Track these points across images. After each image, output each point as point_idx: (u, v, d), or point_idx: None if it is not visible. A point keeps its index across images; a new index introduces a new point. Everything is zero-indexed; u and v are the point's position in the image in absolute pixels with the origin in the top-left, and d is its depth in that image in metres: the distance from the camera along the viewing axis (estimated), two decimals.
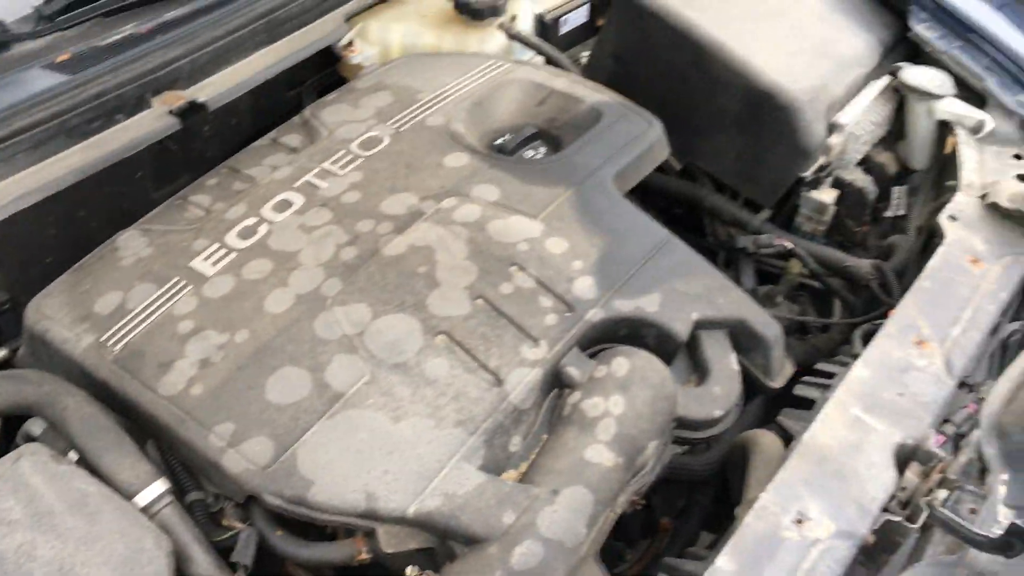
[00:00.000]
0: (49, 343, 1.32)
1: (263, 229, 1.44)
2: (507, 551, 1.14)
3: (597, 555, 1.24)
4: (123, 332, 1.31)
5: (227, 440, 1.19)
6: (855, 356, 1.49)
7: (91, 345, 1.30)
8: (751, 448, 1.45)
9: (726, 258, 2.01)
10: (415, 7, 1.98)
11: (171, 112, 1.59)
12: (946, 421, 1.47)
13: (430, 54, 1.85)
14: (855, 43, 1.98)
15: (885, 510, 1.31)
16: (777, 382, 1.50)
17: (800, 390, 1.57)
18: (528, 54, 2.01)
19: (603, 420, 1.26)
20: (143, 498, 1.14)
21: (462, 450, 1.21)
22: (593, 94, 1.71)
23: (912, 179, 2.08)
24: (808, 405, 1.48)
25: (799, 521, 1.25)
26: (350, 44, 1.89)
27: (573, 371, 1.32)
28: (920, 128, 1.98)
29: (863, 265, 1.83)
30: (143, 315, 1.33)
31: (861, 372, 1.44)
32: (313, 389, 1.24)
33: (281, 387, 1.24)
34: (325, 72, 2.00)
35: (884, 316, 1.61)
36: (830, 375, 1.56)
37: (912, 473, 1.34)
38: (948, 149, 1.98)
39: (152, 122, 1.58)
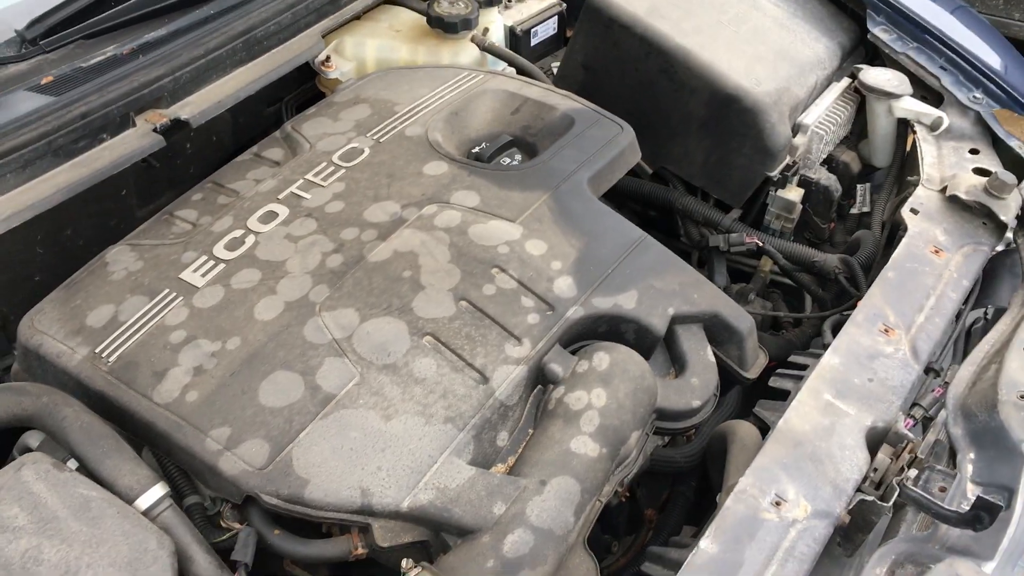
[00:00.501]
0: (43, 357, 1.35)
1: (250, 240, 1.47)
2: (499, 540, 1.18)
3: (586, 543, 1.28)
4: (117, 344, 1.34)
5: (223, 443, 1.22)
6: (826, 346, 1.55)
7: (86, 357, 1.33)
8: (730, 438, 1.50)
9: (699, 258, 2.07)
10: (389, 23, 2.03)
11: (155, 130, 1.62)
12: (915, 405, 1.53)
13: (405, 68, 1.89)
14: (815, 47, 2.05)
15: (859, 490, 1.36)
16: (752, 372, 1.56)
17: (775, 382, 1.62)
18: (500, 65, 2.06)
19: (586, 412, 1.31)
20: (144, 502, 1.17)
21: (452, 445, 1.25)
22: (566, 101, 1.77)
23: (875, 177, 2.15)
24: (783, 396, 1.54)
25: (777, 503, 1.30)
26: (327, 60, 1.93)
27: (556, 367, 1.36)
28: (880, 127, 2.05)
29: (831, 260, 1.89)
30: (136, 327, 1.36)
31: (832, 360, 1.50)
32: (305, 392, 1.27)
33: (274, 391, 1.27)
34: (303, 88, 2.05)
35: (853, 308, 1.67)
36: (803, 367, 1.61)
37: (883, 454, 1.40)
38: (908, 146, 2.05)
39: (137, 140, 1.61)
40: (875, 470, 1.38)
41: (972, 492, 1.40)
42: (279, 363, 1.30)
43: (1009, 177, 1.74)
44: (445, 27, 1.95)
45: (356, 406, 1.27)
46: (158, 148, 1.62)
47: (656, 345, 1.47)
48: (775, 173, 1.93)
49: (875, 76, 2.00)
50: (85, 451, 1.20)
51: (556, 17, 2.27)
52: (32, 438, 1.27)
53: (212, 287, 1.40)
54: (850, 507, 1.33)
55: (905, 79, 2.00)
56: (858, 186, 2.12)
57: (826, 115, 1.99)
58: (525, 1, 2.25)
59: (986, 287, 1.78)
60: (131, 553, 1.09)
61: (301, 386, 1.28)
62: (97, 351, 1.33)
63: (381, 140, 1.66)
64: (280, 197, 1.55)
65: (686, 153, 2.00)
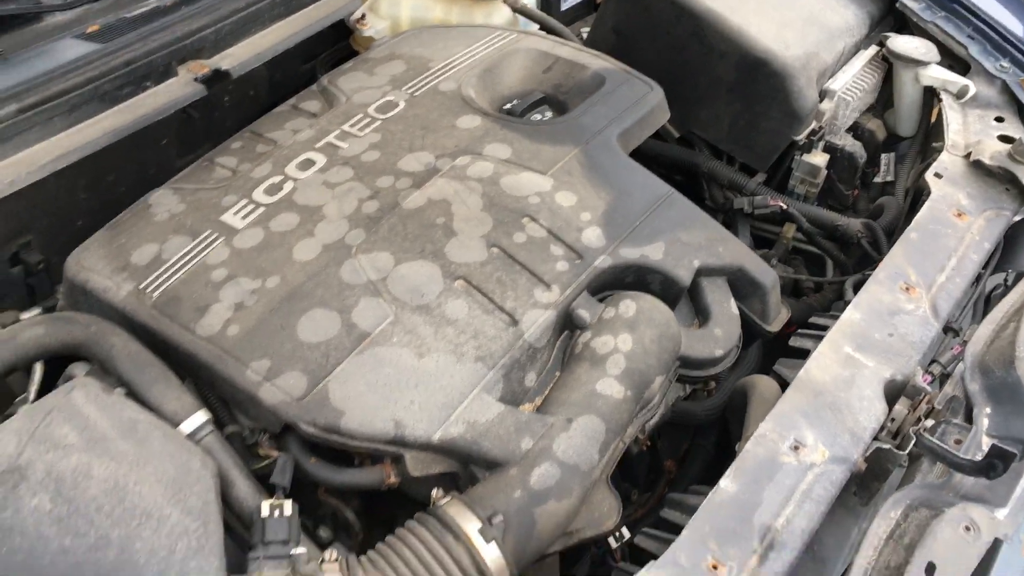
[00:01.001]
0: (90, 292, 1.40)
1: (288, 186, 1.52)
2: (526, 472, 1.22)
3: (609, 481, 1.33)
4: (160, 280, 1.39)
5: (263, 375, 1.27)
6: (847, 303, 1.57)
7: (131, 292, 1.38)
8: (750, 392, 1.54)
9: (724, 220, 2.10)
10: None
11: (197, 79, 1.66)
12: (933, 362, 1.56)
13: (440, 26, 1.93)
14: (844, 14, 2.06)
15: (875, 439, 1.40)
16: (774, 326, 1.59)
17: (795, 342, 1.65)
18: (532, 27, 2.09)
19: (612, 356, 1.35)
20: (188, 426, 1.22)
21: (482, 383, 1.30)
22: (597, 61, 1.80)
23: (900, 147, 2.17)
24: (803, 356, 1.57)
25: (796, 448, 1.34)
26: (362, 18, 1.97)
27: (583, 313, 1.40)
28: (907, 95, 2.07)
29: (853, 224, 1.92)
30: (178, 265, 1.41)
31: (853, 315, 1.53)
32: (342, 329, 1.32)
33: (312, 327, 1.32)
34: (338, 46, 2.09)
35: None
36: (824, 328, 1.64)
37: (901, 406, 1.43)
38: (934, 115, 2.07)
39: (179, 89, 1.65)
40: (892, 420, 1.41)
41: (987, 444, 1.43)
42: (317, 301, 1.35)
43: None
44: None
45: (390, 344, 1.31)
46: (199, 97, 1.67)
47: (681, 296, 1.50)
48: (801, 137, 1.95)
49: (903, 43, 2.01)
50: (132, 377, 1.25)
51: None
52: (78, 368, 1.32)
53: (252, 229, 1.45)
54: (867, 455, 1.37)
55: (932, 47, 2.01)
56: (883, 155, 2.14)
57: (853, 81, 2.01)
58: None
59: (1007, 253, 1.80)
60: (176, 472, 1.14)
61: (338, 323, 1.33)
62: (141, 287, 1.38)
63: (416, 94, 1.70)
64: (317, 146, 1.59)
65: (714, 117, 2.03)
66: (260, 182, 1.53)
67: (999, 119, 1.91)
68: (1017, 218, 1.77)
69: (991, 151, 1.80)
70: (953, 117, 1.92)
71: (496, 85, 1.76)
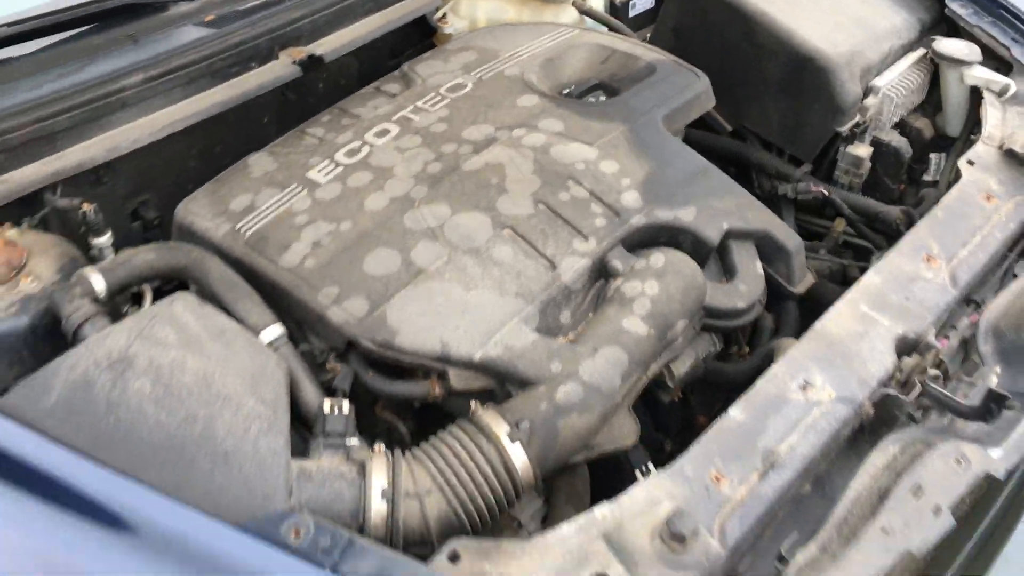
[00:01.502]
0: (194, 232, 1.62)
1: (365, 150, 1.72)
2: (553, 390, 1.37)
3: (630, 408, 1.47)
4: (252, 223, 1.60)
5: (332, 299, 1.46)
6: None
7: (227, 232, 1.59)
8: (777, 352, 1.65)
9: (770, 208, 2.21)
10: None
11: (294, 62, 1.89)
12: (951, 327, 1.65)
13: (510, 23, 2.12)
14: (892, 18, 2.17)
15: (884, 388, 1.50)
16: (799, 288, 1.70)
17: None
18: (598, 28, 2.26)
19: (639, 299, 1.49)
20: (266, 336, 1.42)
21: (521, 315, 1.46)
22: (650, 53, 1.96)
23: (951, 149, 2.25)
24: None
25: (804, 387, 1.45)
26: (443, 16, 2.18)
27: (617, 263, 1.55)
28: (953, 95, 2.16)
29: (893, 211, 2.02)
30: (268, 211, 1.62)
31: (872, 279, 1.63)
32: (401, 265, 1.50)
33: (376, 263, 1.51)
34: (423, 44, 2.30)
35: None
36: None
37: (911, 359, 1.53)
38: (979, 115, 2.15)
39: (279, 69, 1.88)
40: (900, 371, 1.51)
41: None
42: (382, 242, 1.54)
43: None
44: None
45: (442, 279, 1.49)
46: (295, 77, 1.89)
47: (710, 255, 1.64)
48: (844, 129, 2.06)
49: (947, 45, 2.11)
50: (223, 294, 1.46)
51: None
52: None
53: (332, 184, 1.65)
54: (874, 400, 1.47)
55: (976, 48, 2.10)
56: (931, 155, 2.23)
57: (898, 80, 2.12)
58: None
59: None
60: (254, 369, 1.34)
61: (398, 260, 1.51)
62: (237, 228, 1.60)
63: (483, 78, 1.88)
64: (394, 118, 1.79)
65: (763, 112, 2.16)
66: (342, 146, 1.73)
67: None
68: None
69: (1023, 140, 1.88)
70: (992, 113, 2.00)
71: (556, 73, 1.93)
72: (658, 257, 1.55)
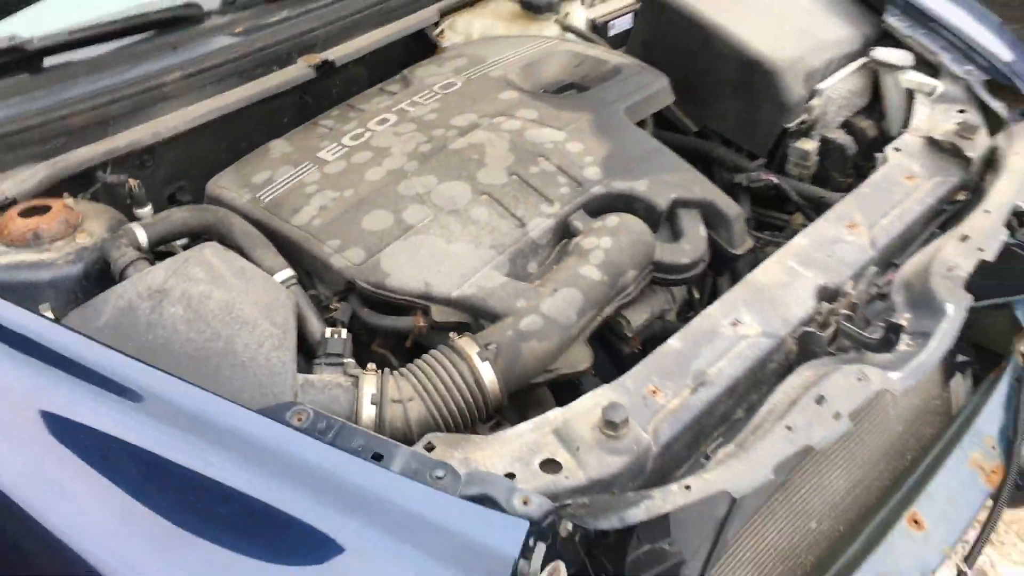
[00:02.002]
0: (222, 200, 1.87)
1: (367, 135, 1.97)
2: (517, 321, 1.60)
3: (587, 341, 1.69)
4: (270, 192, 1.86)
5: (335, 249, 1.71)
6: None
7: (249, 199, 1.85)
8: None
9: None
10: (492, 8, 2.53)
11: (310, 66, 2.16)
12: (872, 284, 1.86)
13: (499, 36, 2.38)
14: (835, 30, 2.41)
15: (806, 328, 1.71)
16: (739, 250, 1.92)
17: None
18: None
19: (595, 251, 1.72)
20: (279, 277, 1.66)
21: (493, 263, 1.69)
22: (617, 57, 2.21)
23: None
24: None
25: (735, 324, 1.66)
26: (441, 32, 2.44)
27: (577, 223, 1.79)
28: (891, 97, 2.39)
29: (835, 196, 2.23)
30: (283, 183, 1.88)
31: (800, 240, 1.84)
32: (393, 223, 1.75)
33: (372, 221, 1.75)
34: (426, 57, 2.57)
35: None
36: None
37: (829, 304, 1.74)
38: None
39: (296, 72, 2.15)
40: (820, 314, 1.72)
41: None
42: (377, 205, 1.78)
43: (975, 119, 2.06)
44: (533, 8, 2.44)
45: (427, 234, 1.73)
46: (310, 78, 2.15)
47: (660, 220, 1.87)
48: (792, 125, 2.29)
49: (883, 52, 2.35)
50: (244, 244, 1.70)
51: (632, 14, 2.71)
52: None
53: (338, 161, 1.91)
54: (796, 336, 1.69)
55: (910, 55, 2.34)
56: (876, 154, 2.45)
57: (840, 83, 2.35)
58: (607, 0, 2.71)
59: None
60: (268, 300, 1.57)
61: (391, 220, 1.76)
62: (257, 196, 1.85)
63: (471, 78, 2.14)
64: (393, 110, 2.05)
65: (722, 112, 2.40)
66: (347, 132, 1.99)
67: (961, 111, 2.21)
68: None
69: (943, 129, 2.10)
70: (921, 109, 2.23)
71: (535, 75, 2.19)
72: (613, 218, 1.78)
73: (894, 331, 1.61)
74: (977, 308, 1.83)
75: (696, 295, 2.07)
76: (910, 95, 2.36)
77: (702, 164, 2.47)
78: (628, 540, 1.39)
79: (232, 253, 1.66)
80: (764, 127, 2.33)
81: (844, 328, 1.67)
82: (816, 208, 2.29)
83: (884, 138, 2.47)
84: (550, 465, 1.38)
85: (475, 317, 1.66)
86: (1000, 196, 1.92)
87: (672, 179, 1.90)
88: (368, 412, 1.47)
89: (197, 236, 1.80)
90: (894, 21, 2.42)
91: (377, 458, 1.29)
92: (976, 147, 2.05)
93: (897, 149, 2.10)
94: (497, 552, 1.21)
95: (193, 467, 1.27)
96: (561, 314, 1.62)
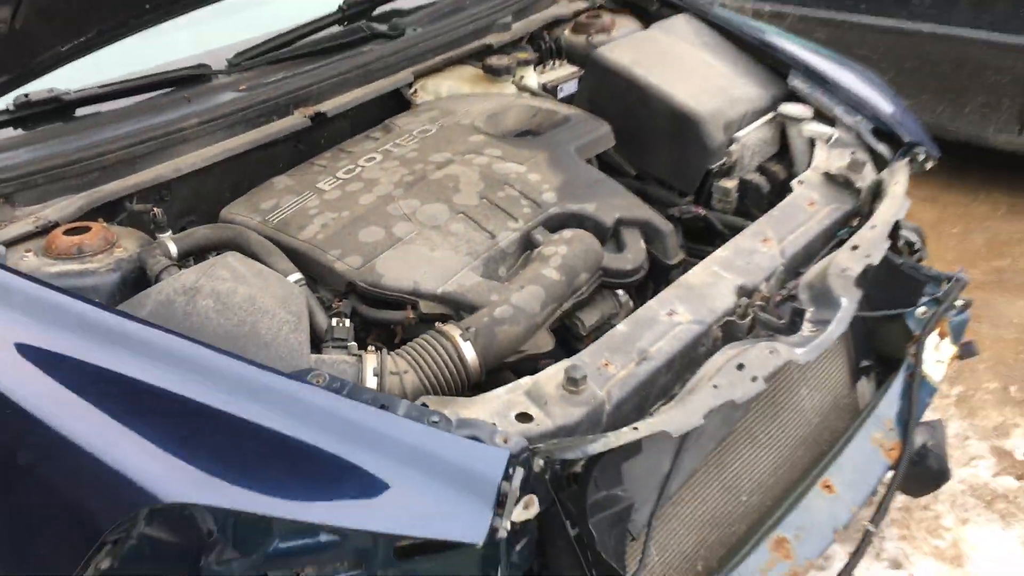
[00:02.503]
0: (236, 222, 2.15)
1: (358, 169, 2.29)
2: (492, 309, 1.90)
3: (549, 329, 1.99)
4: (278, 215, 2.15)
5: (337, 256, 2.00)
6: None
7: (260, 221, 2.13)
8: None
9: None
10: (458, 72, 2.88)
11: (306, 116, 2.47)
12: (782, 288, 2.21)
13: (465, 94, 2.74)
14: (748, 90, 2.80)
15: (728, 317, 2.04)
16: (672, 261, 2.26)
17: None
18: None
19: (554, 257, 2.04)
20: (290, 279, 1.94)
21: (469, 266, 2.00)
22: (566, 109, 2.57)
23: None
24: None
25: (670, 314, 1.99)
26: (415, 92, 2.79)
27: (538, 236, 2.10)
28: (796, 145, 2.78)
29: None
30: (288, 208, 2.17)
31: (722, 252, 2.18)
32: (385, 236, 2.05)
33: (367, 234, 2.05)
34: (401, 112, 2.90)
35: None
36: None
37: (747, 299, 2.07)
38: None
39: (292, 121, 2.46)
40: (739, 307, 2.05)
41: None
42: (371, 222, 2.08)
43: (863, 157, 2.45)
44: (494, 72, 2.79)
45: (414, 244, 2.03)
46: (305, 127, 2.46)
47: (607, 235, 2.19)
48: (715, 167, 2.66)
49: (788, 107, 2.74)
50: (259, 252, 1.98)
51: (577, 80, 3.09)
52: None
53: (334, 190, 2.21)
54: (720, 325, 2.01)
55: (810, 109, 2.73)
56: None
57: (754, 133, 2.73)
58: (556, 68, 3.08)
59: None
60: (283, 293, 1.85)
61: (383, 233, 2.06)
62: (266, 218, 2.14)
63: (444, 125, 2.48)
64: (379, 151, 2.37)
65: (656, 157, 2.76)
66: (341, 168, 2.30)
67: (852, 153, 2.60)
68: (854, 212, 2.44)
69: (837, 166, 2.49)
70: (819, 152, 2.62)
71: (499, 122, 2.53)
72: (568, 232, 2.11)
73: (798, 315, 1.95)
74: (876, 320, 2.19)
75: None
76: (812, 142, 2.76)
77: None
78: (588, 486, 1.67)
79: (251, 259, 1.94)
80: (692, 168, 2.69)
81: (759, 316, 2.00)
82: (737, 231, 2.64)
83: (792, 179, 2.86)
84: (523, 417, 1.66)
85: (456, 310, 1.95)
86: (883, 215, 2.29)
87: (616, 202, 2.24)
88: (371, 383, 1.75)
89: (218, 249, 2.07)
90: (797, 82, 2.83)
91: (383, 407, 1.56)
92: (864, 179, 2.43)
93: (801, 182, 2.47)
94: (485, 475, 1.48)
95: (238, 414, 1.53)
96: (528, 305, 1.93)
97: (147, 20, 2.26)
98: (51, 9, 1.97)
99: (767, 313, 2.02)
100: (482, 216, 2.12)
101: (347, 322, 1.87)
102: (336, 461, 1.49)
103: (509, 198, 2.18)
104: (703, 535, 2.08)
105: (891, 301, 2.42)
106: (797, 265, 2.25)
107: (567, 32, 3.06)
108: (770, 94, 2.87)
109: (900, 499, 3.10)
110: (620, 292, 2.17)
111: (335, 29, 2.74)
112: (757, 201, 2.76)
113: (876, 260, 2.15)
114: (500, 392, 1.72)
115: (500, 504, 1.46)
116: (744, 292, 2.08)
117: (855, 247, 2.19)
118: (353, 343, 1.84)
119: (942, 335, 2.47)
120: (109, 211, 2.17)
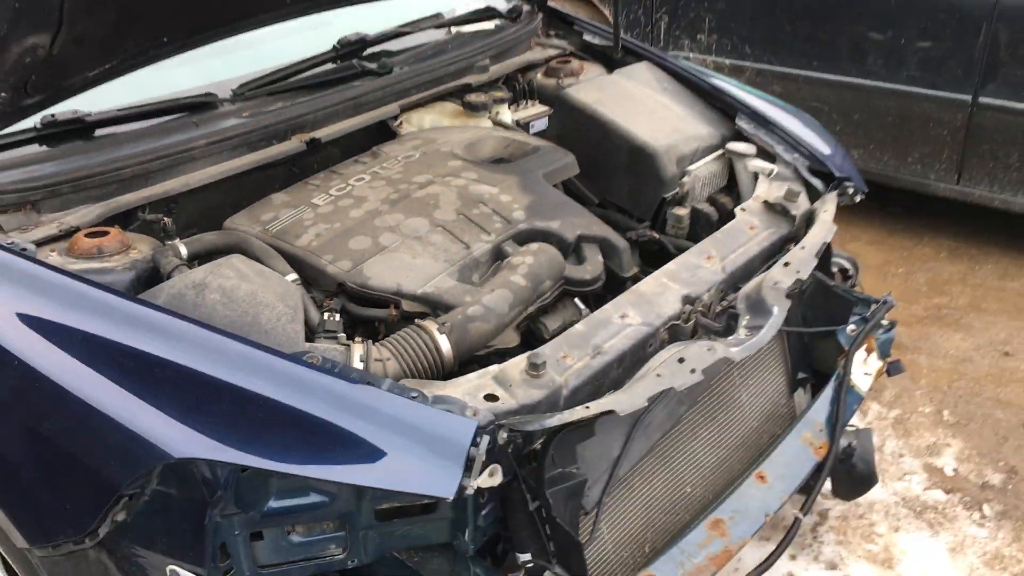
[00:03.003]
0: (239, 231, 2.37)
1: (348, 188, 2.52)
2: (465, 309, 2.12)
3: (516, 328, 2.21)
4: (276, 225, 2.37)
5: (329, 260, 2.22)
6: None
7: (260, 230, 2.35)
8: None
9: None
10: (439, 107, 3.13)
11: (302, 141, 2.70)
12: (723, 299, 2.45)
13: (446, 126, 2.99)
14: (699, 128, 3.07)
15: (674, 321, 2.27)
16: (627, 274, 2.50)
17: None
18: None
19: (521, 265, 2.27)
20: (288, 278, 2.16)
21: (447, 271, 2.22)
22: (536, 140, 2.82)
23: None
24: None
25: (623, 316, 2.22)
26: (400, 123, 3.03)
27: (508, 248, 2.34)
28: (742, 179, 3.04)
29: None
30: (286, 219, 2.39)
31: (671, 266, 2.42)
32: (372, 244, 2.27)
33: (356, 243, 2.27)
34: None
35: None
36: None
37: (690, 306, 2.31)
38: None
39: (290, 146, 2.68)
40: (684, 312, 2.29)
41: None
42: (360, 233, 2.31)
43: (798, 188, 2.71)
44: (472, 108, 3.05)
45: (398, 252, 2.26)
46: (301, 151, 2.69)
47: (569, 250, 2.43)
48: (668, 196, 2.91)
49: (735, 145, 3.01)
50: (260, 255, 2.20)
51: (547, 118, 3.35)
52: None
53: (327, 205, 2.44)
54: (666, 328, 2.24)
55: (754, 147, 3.01)
56: None
57: (704, 167, 2.99)
58: (528, 107, 3.34)
59: None
60: (282, 289, 2.06)
61: (370, 242, 2.28)
62: (266, 228, 2.36)
63: (426, 151, 2.72)
64: (367, 172, 2.60)
65: (617, 187, 3.01)
66: (333, 187, 2.53)
67: (789, 185, 2.87)
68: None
69: (775, 195, 2.75)
70: (761, 184, 2.88)
71: (475, 150, 2.78)
72: (534, 245, 2.35)
73: (734, 319, 2.19)
74: (812, 336, 2.43)
75: None
76: (755, 176, 3.02)
77: None
78: (545, 461, 1.88)
79: (253, 261, 2.16)
80: (648, 197, 2.94)
81: (700, 321, 2.24)
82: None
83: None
84: (490, 397, 1.88)
85: (434, 309, 2.17)
86: (813, 238, 2.55)
87: (578, 221, 2.48)
88: (358, 367, 1.96)
89: (223, 252, 2.28)
90: (743, 123, 3.10)
91: (369, 384, 1.77)
92: (798, 208, 2.69)
93: (743, 209, 2.73)
94: (456, 441, 1.69)
95: (241, 385, 1.73)
96: (497, 306, 2.15)
97: (167, 51, 2.48)
98: (85, 36, 2.19)
99: (707, 319, 2.26)
100: (459, 229, 2.35)
101: (337, 316, 2.09)
102: (327, 427, 1.70)
103: (483, 215, 2.41)
104: (650, 518, 2.29)
105: (826, 320, 2.67)
106: (737, 280, 2.50)
107: (539, 75, 3.33)
108: (719, 133, 3.14)
109: (838, 508, 3.33)
110: (577, 300, 2.40)
111: (329, 66, 2.98)
112: (707, 228, 3.00)
113: (805, 275, 2.40)
114: (471, 377, 1.94)
115: (468, 468, 1.67)
116: (688, 300, 2.31)
117: (787, 264, 2.44)
118: (343, 335, 2.06)
119: (869, 350, 2.72)
120: (124, 219, 2.38)
